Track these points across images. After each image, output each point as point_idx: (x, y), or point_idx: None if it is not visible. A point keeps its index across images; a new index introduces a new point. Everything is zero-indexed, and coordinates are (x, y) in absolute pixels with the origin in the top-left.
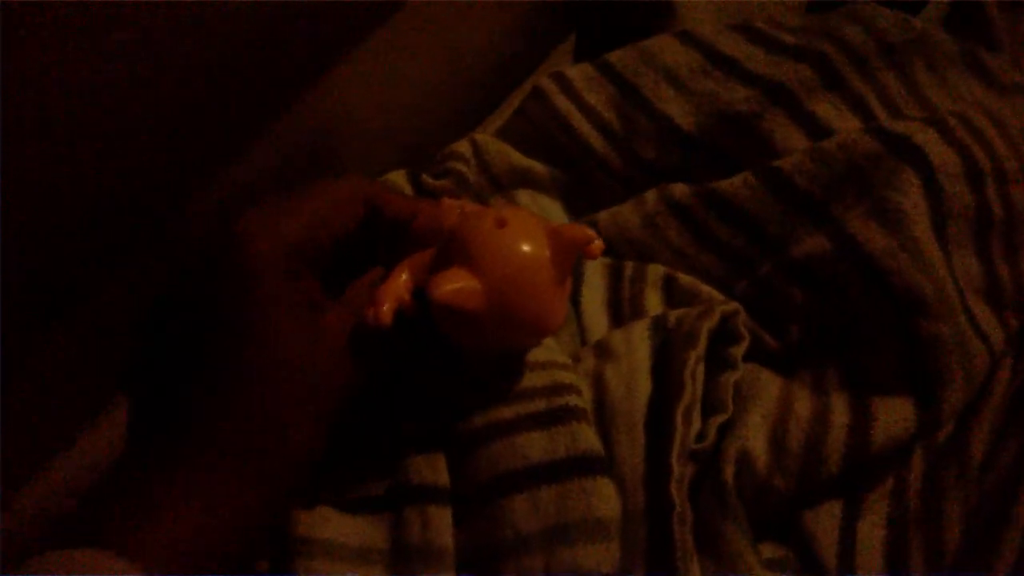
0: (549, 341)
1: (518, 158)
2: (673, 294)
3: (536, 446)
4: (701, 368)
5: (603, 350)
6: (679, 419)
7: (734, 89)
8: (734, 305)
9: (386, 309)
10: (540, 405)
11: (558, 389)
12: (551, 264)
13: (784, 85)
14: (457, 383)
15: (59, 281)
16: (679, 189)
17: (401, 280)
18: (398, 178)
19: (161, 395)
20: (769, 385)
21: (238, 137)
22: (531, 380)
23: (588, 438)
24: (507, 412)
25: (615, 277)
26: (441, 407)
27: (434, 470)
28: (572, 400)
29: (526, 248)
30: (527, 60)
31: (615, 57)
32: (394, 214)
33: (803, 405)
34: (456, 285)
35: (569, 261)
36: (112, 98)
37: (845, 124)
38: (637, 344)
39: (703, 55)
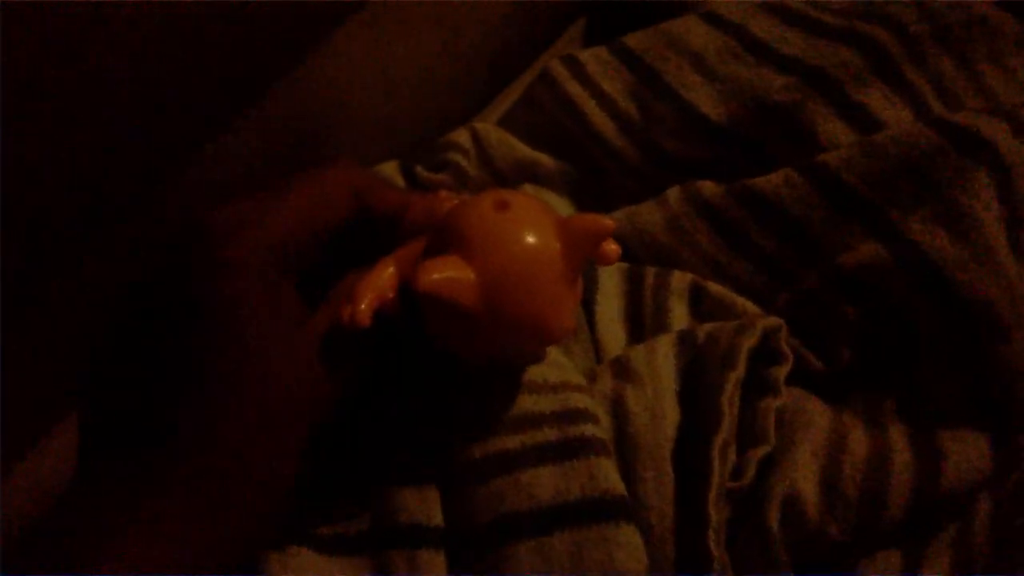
0: (560, 357)
1: (523, 150)
2: (701, 305)
3: (546, 484)
4: (738, 394)
5: (622, 369)
6: (716, 456)
7: (769, 76)
8: (776, 320)
9: (364, 307)
10: (551, 435)
11: (572, 415)
12: (560, 258)
13: (827, 71)
14: (451, 403)
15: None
16: (708, 187)
17: (386, 274)
18: (390, 170)
19: (120, 411)
20: (817, 415)
21: (211, 123)
22: (540, 403)
23: (608, 476)
24: (511, 441)
25: (634, 284)
26: (433, 432)
27: (426, 507)
28: (589, 429)
29: (531, 236)
30: (533, 42)
31: (633, 40)
32: (385, 208)
33: (858, 440)
34: (446, 274)
35: (582, 256)
36: (73, 76)
37: (896, 116)
38: (661, 363)
39: (733, 38)
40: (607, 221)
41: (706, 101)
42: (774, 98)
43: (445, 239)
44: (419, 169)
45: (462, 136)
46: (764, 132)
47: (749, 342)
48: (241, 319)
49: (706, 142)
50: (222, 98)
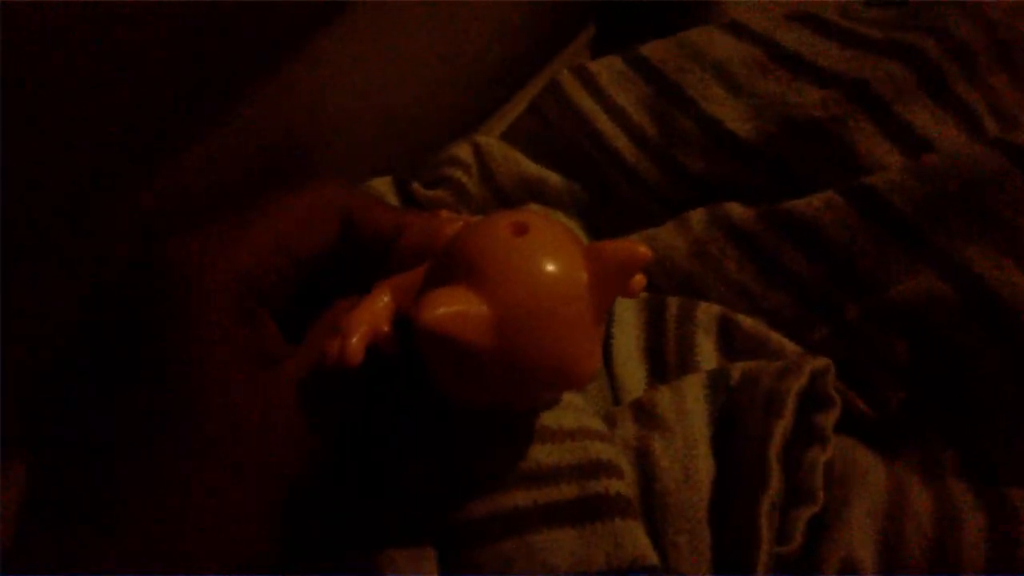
0: (576, 399)
1: (529, 167)
2: (732, 341)
3: (563, 550)
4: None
5: (646, 414)
6: (764, 520)
7: (805, 90)
8: (824, 361)
9: (355, 343)
10: (568, 491)
11: (592, 468)
12: (588, 291)
13: (870, 86)
14: (453, 453)
15: None
16: (736, 209)
17: (380, 305)
18: (382, 187)
19: (63, 474)
20: (871, 469)
21: (176, 133)
22: (555, 454)
23: (637, 542)
24: (521, 498)
25: (655, 315)
26: (432, 485)
27: (420, 571)
28: (613, 486)
29: (555, 265)
30: (540, 51)
31: (650, 50)
32: (378, 229)
33: (920, 498)
34: (454, 308)
35: (613, 289)
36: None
37: (947, 135)
38: (691, 407)
39: (761, 49)
40: (643, 249)
41: (732, 116)
42: (810, 114)
43: (451, 267)
44: (416, 185)
45: (463, 150)
46: (798, 151)
47: (796, 386)
48: (202, 368)
49: (732, 161)
50: (187, 104)
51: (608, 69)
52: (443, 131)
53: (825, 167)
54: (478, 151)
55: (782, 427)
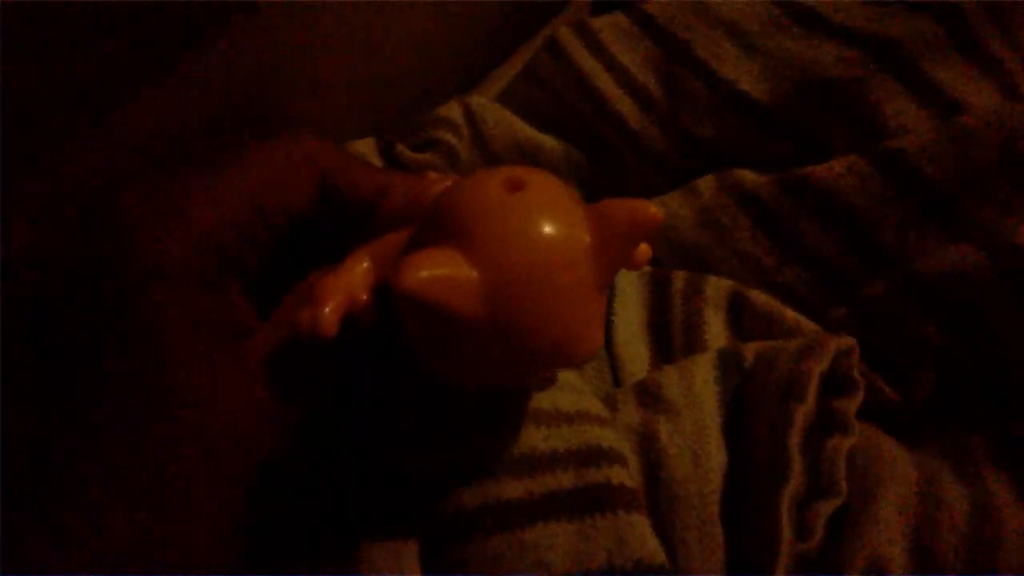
0: (574, 379)
1: (525, 131)
2: (743, 318)
3: (560, 546)
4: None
5: (652, 396)
6: (784, 515)
7: (823, 48)
8: (848, 340)
9: (329, 311)
10: (565, 480)
11: (592, 455)
12: (591, 255)
13: (896, 42)
14: (437, 437)
15: None
16: (749, 176)
17: (358, 271)
18: (365, 148)
19: (17, 455)
20: (897, 458)
21: (136, 74)
22: (551, 439)
23: (643, 539)
24: (513, 488)
25: (659, 290)
26: (415, 472)
27: (401, 567)
28: (615, 475)
29: (554, 225)
30: (538, 8)
31: (655, 6)
32: (359, 191)
33: (953, 490)
34: (438, 271)
35: (619, 255)
36: None
37: (979, 96)
38: (701, 390)
39: (776, 5)
40: (653, 208)
41: (745, 77)
42: (830, 74)
43: (438, 227)
44: (401, 147)
45: (453, 111)
46: (816, 114)
47: (819, 368)
48: (159, 343)
49: (745, 125)
50: (147, 50)
51: (611, 26)
52: (432, 91)
53: (846, 131)
54: (469, 113)
55: (803, 413)
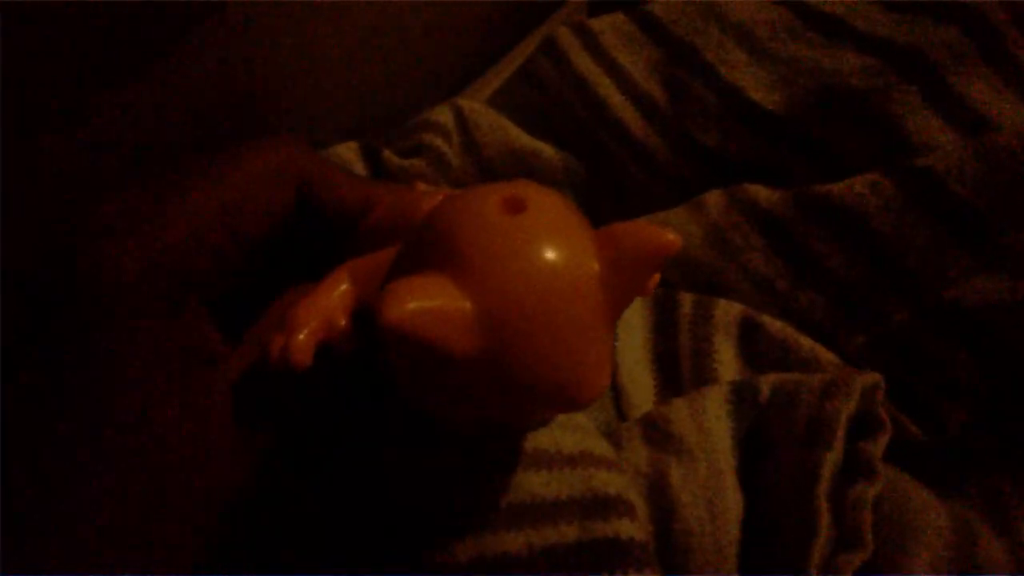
0: (576, 415)
1: (519, 137)
2: (755, 346)
3: None
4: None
5: (660, 433)
6: (815, 573)
7: (841, 56)
8: (873, 376)
9: (303, 339)
10: (569, 533)
11: (599, 505)
12: (600, 286)
13: (920, 52)
14: (424, 479)
15: None
16: (762, 192)
17: (336, 293)
18: (348, 153)
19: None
20: (927, 507)
21: (101, 79)
22: (552, 484)
23: None
24: (511, 540)
25: (665, 314)
26: (400, 521)
27: None
28: (624, 528)
29: (559, 252)
30: (535, 6)
31: (659, 7)
32: (341, 203)
33: (991, 547)
34: (427, 303)
35: (632, 286)
36: None
37: (1008, 111)
38: (713, 427)
39: (789, 10)
40: (671, 235)
41: (756, 84)
42: (848, 84)
43: (427, 250)
44: (388, 153)
45: (443, 115)
46: (833, 126)
47: (847, 409)
48: (116, 372)
49: (755, 136)
50: (114, 53)
51: (612, 28)
52: (421, 93)
53: (865, 146)
54: (461, 117)
55: (831, 462)
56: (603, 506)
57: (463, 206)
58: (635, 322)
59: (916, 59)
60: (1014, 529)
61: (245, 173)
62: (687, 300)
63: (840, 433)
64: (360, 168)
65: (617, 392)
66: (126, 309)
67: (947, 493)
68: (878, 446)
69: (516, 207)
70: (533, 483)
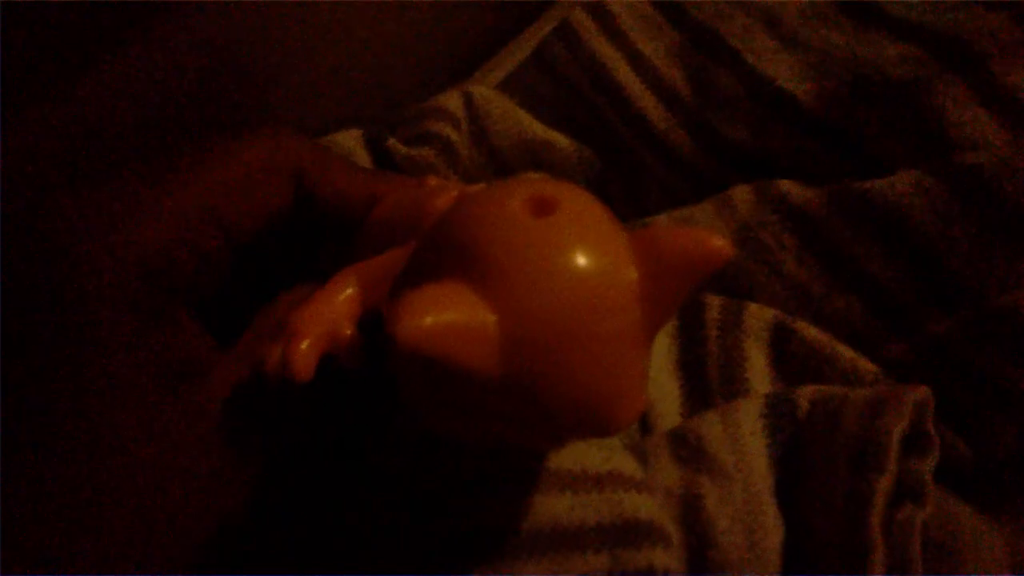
0: None
1: (532, 126)
2: (789, 355)
3: None
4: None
5: (691, 451)
6: None
7: (878, 44)
8: (923, 390)
9: (304, 349)
10: (598, 564)
11: (630, 533)
12: (638, 298)
13: (964, 41)
14: (439, 504)
15: None
16: (794, 189)
17: (341, 299)
18: (350, 142)
19: None
20: (981, 534)
21: (74, 60)
22: (578, 508)
23: None
24: (532, 569)
25: (691, 319)
26: (411, 547)
27: None
28: (659, 559)
29: (593, 260)
30: None
31: None
32: (341, 199)
33: None
34: (445, 317)
35: (674, 297)
36: None
37: None
38: (749, 445)
39: None
40: (719, 241)
41: (786, 74)
42: (886, 73)
43: (444, 255)
44: (392, 141)
45: (452, 101)
46: (868, 119)
47: (899, 428)
48: (92, 387)
49: (784, 129)
50: (91, 24)
51: (630, 10)
52: (428, 77)
53: (903, 141)
54: (471, 104)
55: (884, 486)
56: (635, 534)
57: (485, 206)
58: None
59: (960, 48)
60: None
61: (236, 165)
62: (715, 304)
63: (893, 455)
64: (363, 158)
65: None
66: (102, 316)
67: (1000, 518)
68: (927, 466)
69: (544, 208)
70: (556, 506)
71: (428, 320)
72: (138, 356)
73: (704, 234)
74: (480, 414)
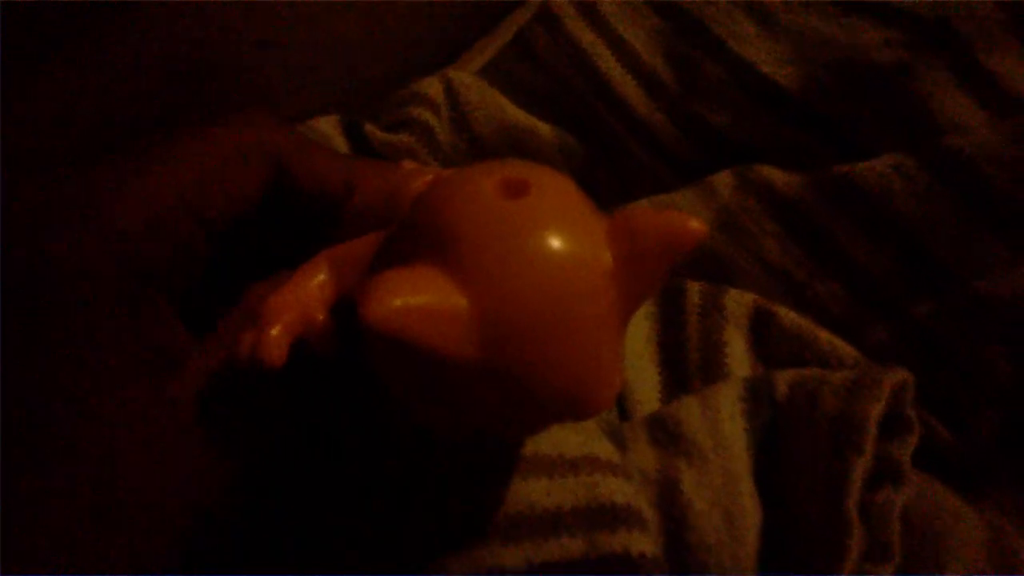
0: None
1: (514, 113)
2: (769, 339)
3: None
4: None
5: (669, 435)
6: None
7: (861, 28)
8: (901, 373)
9: (276, 335)
10: (574, 548)
11: (606, 516)
12: (614, 281)
13: (950, 25)
14: (412, 492)
15: None
16: (776, 174)
17: (313, 284)
18: (327, 127)
19: None
20: (960, 517)
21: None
22: (555, 493)
23: None
24: (511, 556)
25: (671, 303)
26: (385, 535)
27: None
28: (635, 542)
29: (567, 242)
30: None
31: None
32: (318, 185)
33: None
34: (416, 299)
35: (650, 280)
36: None
37: None
38: (728, 428)
39: None
40: (694, 222)
41: (769, 60)
42: (870, 58)
43: (416, 239)
44: (370, 127)
45: (432, 87)
46: (852, 104)
47: (876, 410)
48: (67, 379)
49: (767, 115)
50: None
51: None
52: (408, 62)
53: (887, 126)
54: (451, 90)
55: (861, 467)
56: (611, 517)
57: (457, 189)
58: (638, 311)
59: (943, 33)
60: None
61: (211, 152)
62: (695, 289)
63: (870, 436)
64: (340, 144)
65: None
66: (75, 305)
67: (980, 501)
68: (906, 449)
69: (517, 190)
70: (532, 491)
71: (397, 302)
72: (114, 344)
73: (678, 215)
74: (455, 401)
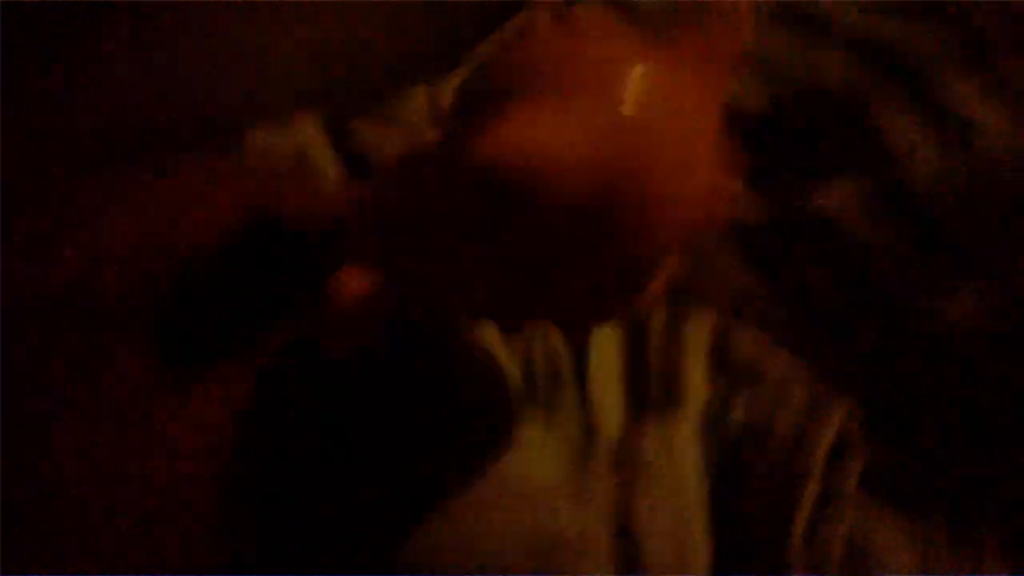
0: (540, 436)
1: None
2: (727, 362)
3: None
4: None
5: (628, 461)
6: None
7: (820, 52)
8: (849, 400)
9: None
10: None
11: (558, 549)
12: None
13: (903, 51)
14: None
15: None
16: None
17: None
18: (307, 127)
19: None
20: (896, 546)
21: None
22: (504, 522)
23: None
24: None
25: (635, 330)
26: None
27: None
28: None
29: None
30: None
31: None
32: (309, 216)
33: None
34: (534, 134)
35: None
36: None
37: (991, 117)
38: (683, 456)
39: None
40: None
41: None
42: (829, 81)
43: (501, 87)
44: (355, 124)
45: (418, 99)
46: (811, 125)
47: (826, 439)
48: (68, 402)
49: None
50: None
51: (591, 16)
52: (408, 62)
53: (844, 148)
54: (434, 101)
55: (811, 494)
56: (563, 550)
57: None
58: (607, 334)
59: (897, 57)
60: (974, 557)
61: (177, 188)
62: (658, 316)
63: (818, 462)
64: (322, 140)
65: (587, 405)
66: (42, 330)
67: (915, 520)
68: (851, 478)
69: (570, 27)
70: (493, 518)
71: (513, 138)
72: (105, 376)
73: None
74: (569, 251)
